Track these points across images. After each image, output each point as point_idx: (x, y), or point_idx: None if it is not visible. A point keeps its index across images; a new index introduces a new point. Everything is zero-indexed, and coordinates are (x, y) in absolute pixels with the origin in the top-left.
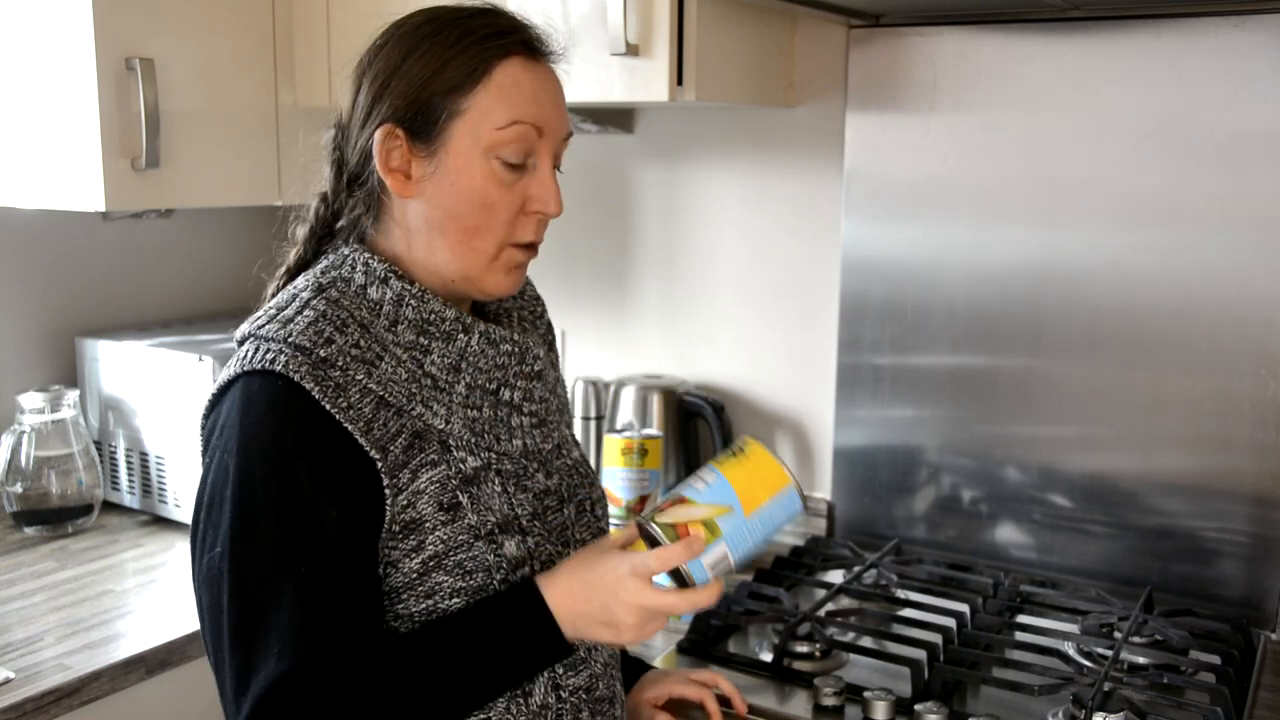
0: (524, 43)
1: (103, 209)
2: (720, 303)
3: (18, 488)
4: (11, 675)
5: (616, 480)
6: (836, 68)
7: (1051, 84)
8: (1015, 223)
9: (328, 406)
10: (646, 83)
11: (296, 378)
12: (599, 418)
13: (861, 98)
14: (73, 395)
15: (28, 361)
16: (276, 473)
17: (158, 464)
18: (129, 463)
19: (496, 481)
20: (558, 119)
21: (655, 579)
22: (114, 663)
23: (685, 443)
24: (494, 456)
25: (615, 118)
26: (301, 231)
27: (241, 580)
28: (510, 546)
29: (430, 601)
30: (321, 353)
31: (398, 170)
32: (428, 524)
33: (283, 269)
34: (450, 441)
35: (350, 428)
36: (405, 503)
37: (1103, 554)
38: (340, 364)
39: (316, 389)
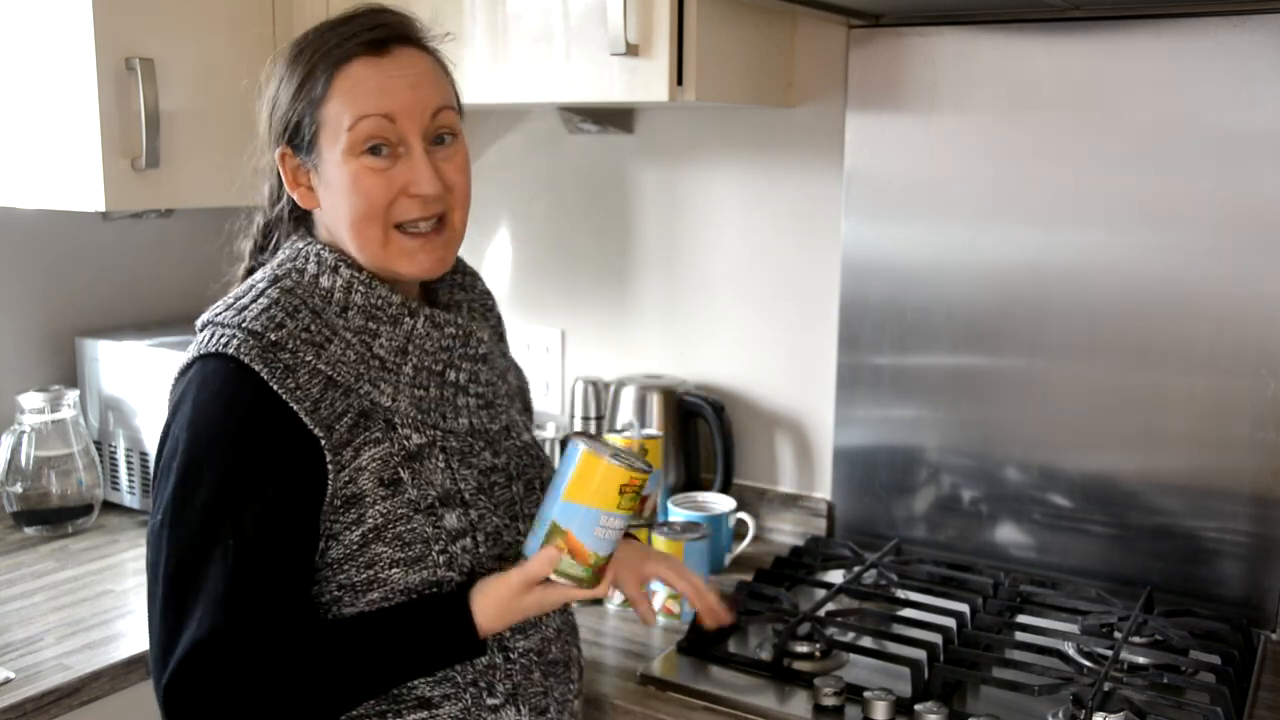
0: (365, 43)
1: (103, 209)
2: (720, 303)
3: (18, 488)
4: (11, 675)
5: None
6: (836, 68)
7: (1051, 84)
8: (1015, 223)
9: (275, 387)
10: (646, 83)
11: (247, 360)
12: (599, 418)
13: (861, 98)
14: (73, 395)
15: (28, 361)
16: (220, 449)
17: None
18: (129, 463)
19: (440, 457)
20: (412, 98)
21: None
22: (114, 663)
23: (685, 443)
24: (439, 434)
25: (615, 118)
26: (246, 246)
27: (175, 547)
28: (451, 519)
29: (371, 571)
30: (272, 336)
31: (303, 185)
32: (368, 498)
33: (239, 278)
34: (396, 420)
35: (296, 407)
36: (347, 478)
37: (1103, 554)
38: (290, 347)
39: (265, 370)
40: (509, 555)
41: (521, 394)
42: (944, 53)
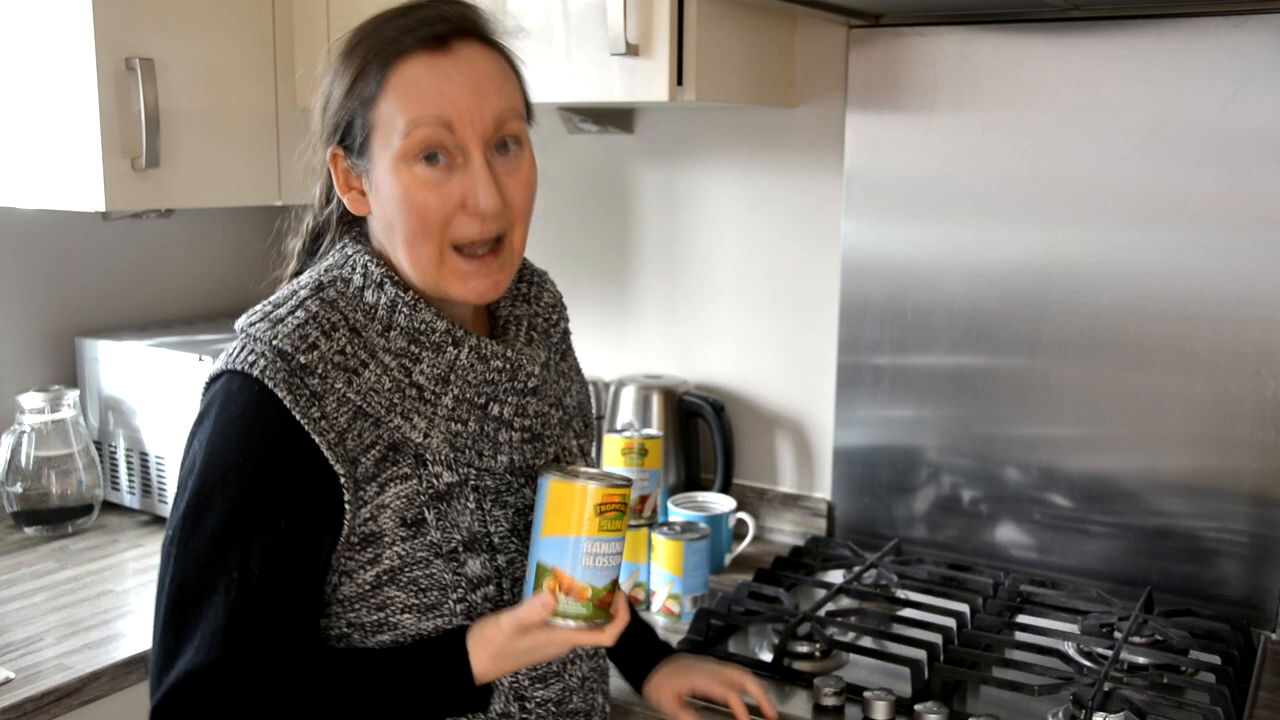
0: (424, 38)
1: (103, 209)
2: (720, 303)
3: (18, 488)
4: (11, 675)
5: None
6: (836, 68)
7: (1051, 84)
8: (1015, 223)
9: (297, 416)
10: (646, 83)
11: (270, 384)
12: (599, 418)
13: (861, 98)
14: (73, 395)
15: (28, 361)
16: (234, 476)
17: (158, 464)
18: (129, 463)
19: (472, 498)
20: (476, 106)
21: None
22: (114, 663)
23: (685, 443)
24: (473, 472)
25: (615, 118)
26: (294, 245)
27: (181, 569)
28: (474, 565)
29: (382, 614)
30: (302, 359)
31: (355, 189)
32: (387, 538)
33: (285, 280)
34: (427, 456)
35: (318, 439)
36: (368, 515)
37: (1103, 554)
38: (320, 371)
39: (289, 397)
40: None
41: (581, 411)
42: (944, 53)
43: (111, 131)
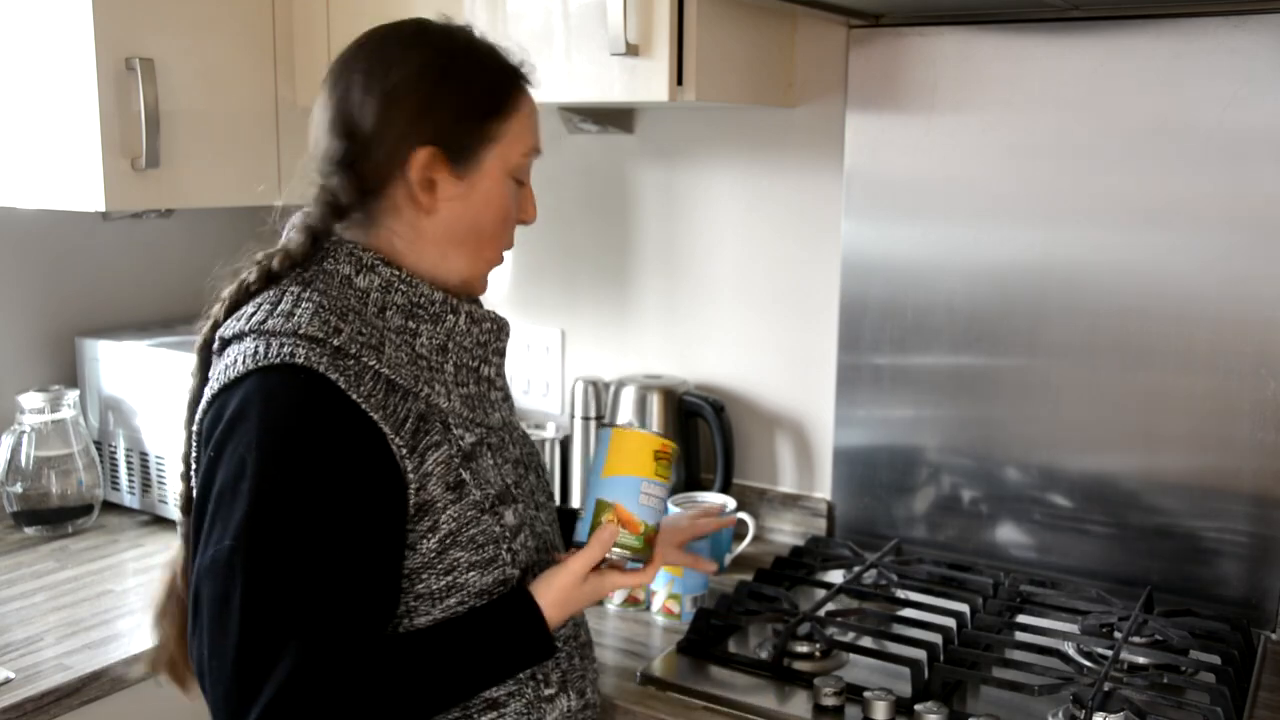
0: (524, 76)
1: (103, 209)
2: (720, 303)
3: (18, 488)
4: (11, 675)
5: None
6: (836, 68)
7: (1051, 84)
8: (1015, 223)
9: (354, 396)
10: (646, 83)
11: (321, 369)
12: (599, 418)
13: (861, 98)
14: (73, 395)
15: (28, 361)
16: (299, 468)
17: (158, 464)
18: (129, 463)
19: (489, 455)
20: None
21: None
22: (114, 663)
23: (685, 443)
24: (484, 431)
25: (615, 118)
26: (297, 238)
27: (256, 574)
28: (509, 516)
29: (450, 577)
30: (335, 342)
31: (429, 190)
32: (439, 504)
33: (263, 266)
34: (450, 420)
35: (375, 415)
36: (417, 485)
37: (1103, 554)
38: (353, 351)
39: (341, 379)
40: (544, 546)
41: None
42: (944, 53)
43: (111, 131)
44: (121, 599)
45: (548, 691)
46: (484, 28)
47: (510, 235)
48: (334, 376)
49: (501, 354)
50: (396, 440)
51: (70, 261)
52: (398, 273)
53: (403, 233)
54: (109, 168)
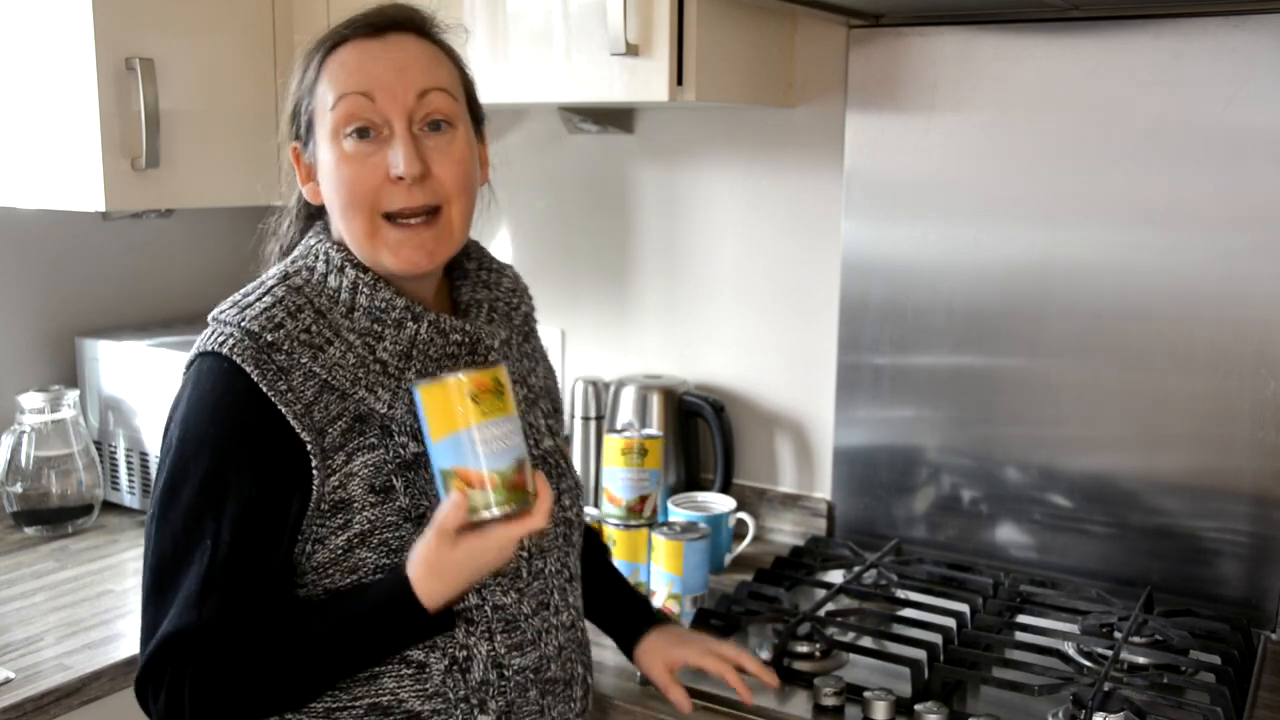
0: (360, 28)
1: (103, 209)
2: (720, 303)
3: (18, 488)
4: (11, 675)
5: (616, 480)
6: (836, 68)
7: (1051, 84)
8: (1015, 223)
9: (265, 389)
10: (646, 83)
11: (239, 360)
12: (599, 418)
13: (861, 98)
14: (73, 395)
15: (28, 361)
16: (205, 449)
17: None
18: (129, 463)
19: None
20: (396, 79)
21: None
22: (114, 663)
23: (685, 443)
24: None
25: (615, 118)
26: (272, 248)
27: (159, 543)
28: None
29: (355, 576)
30: (269, 337)
31: (312, 180)
32: (356, 504)
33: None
34: (393, 426)
35: (285, 410)
36: (337, 483)
37: (1103, 554)
38: (286, 348)
39: (256, 371)
40: (508, 571)
41: (549, 394)
42: (944, 53)
43: (111, 131)
44: (121, 599)
45: (482, 718)
46: (484, 28)
47: (369, 196)
48: (249, 368)
49: (484, 368)
50: (305, 436)
51: (70, 261)
52: (363, 276)
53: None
54: (109, 168)
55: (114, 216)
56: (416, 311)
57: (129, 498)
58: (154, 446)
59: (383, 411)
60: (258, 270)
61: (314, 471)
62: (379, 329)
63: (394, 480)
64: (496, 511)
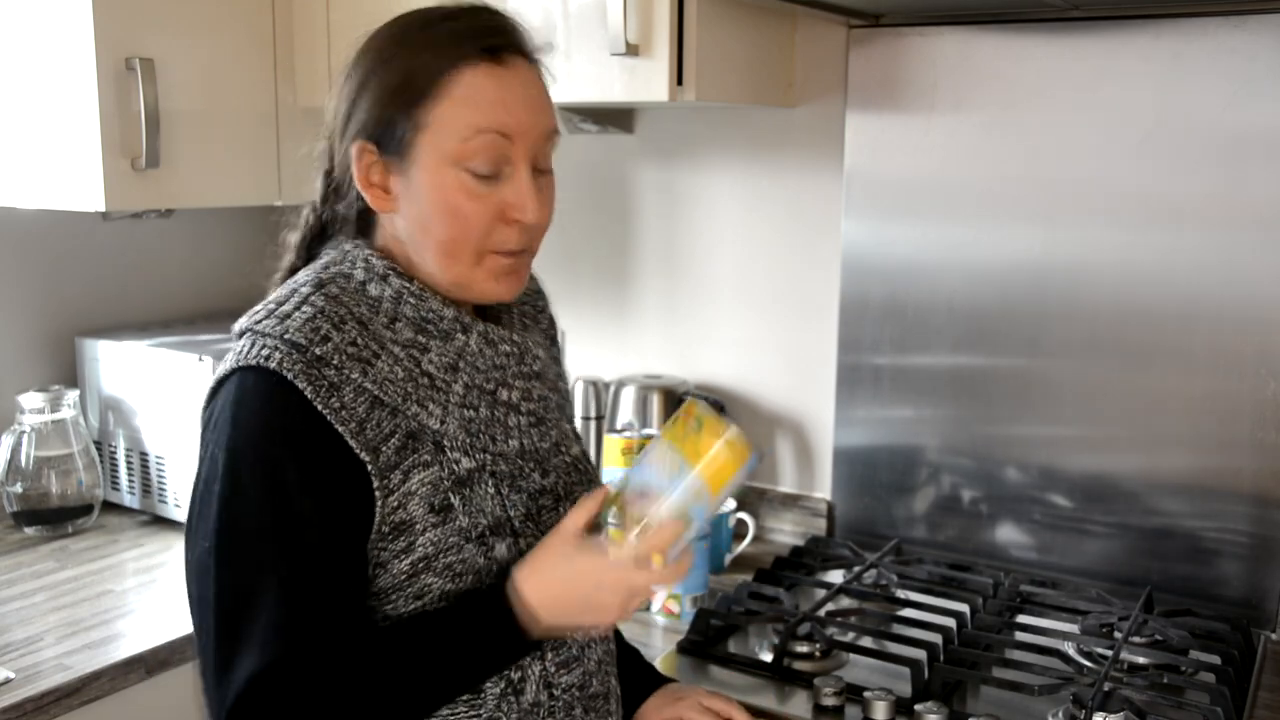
0: (486, 48)
1: (103, 209)
2: (720, 303)
3: (18, 488)
4: (11, 675)
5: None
6: (836, 68)
7: (1051, 84)
8: (1015, 223)
9: (319, 407)
10: (646, 83)
11: (290, 376)
12: (599, 418)
13: (861, 98)
14: (73, 395)
15: (28, 361)
16: (264, 470)
17: (158, 464)
18: (129, 463)
19: (490, 483)
20: (530, 121)
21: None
22: (114, 663)
23: None
24: (489, 458)
25: (615, 118)
26: (293, 238)
27: (226, 575)
28: (501, 549)
29: (420, 603)
30: (317, 350)
31: (377, 185)
32: (418, 525)
33: (280, 274)
34: (445, 442)
35: (341, 429)
36: (396, 504)
37: (1103, 554)
38: (335, 362)
39: (310, 388)
40: None
41: (569, 397)
42: (944, 53)
43: (111, 131)
44: (121, 599)
45: None
46: None
47: (482, 236)
48: (301, 384)
49: (529, 377)
50: (364, 455)
51: (70, 261)
52: (409, 285)
53: (392, 234)
54: (109, 168)
55: (114, 216)
56: (465, 322)
57: (129, 498)
58: (154, 446)
59: (435, 427)
60: (272, 265)
61: (375, 492)
62: (424, 340)
63: (451, 498)
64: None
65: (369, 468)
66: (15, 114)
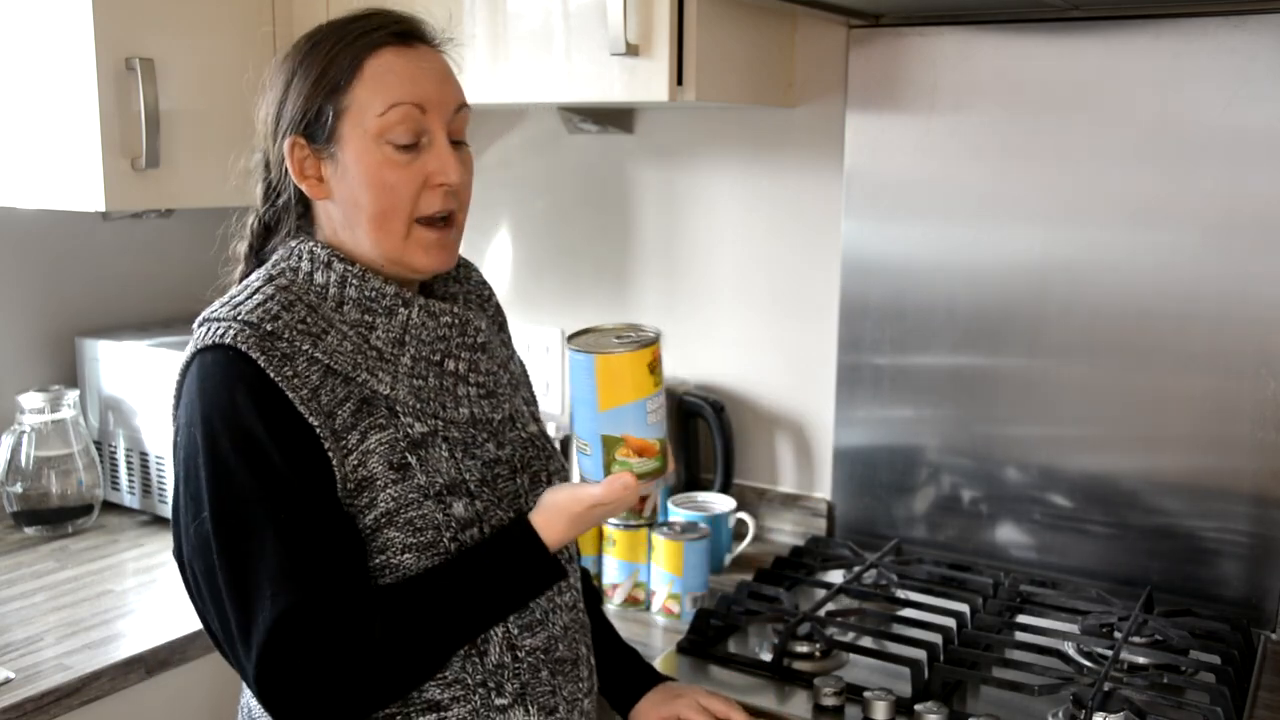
0: (394, 34)
1: (103, 209)
2: (720, 303)
3: (18, 488)
4: (11, 675)
5: None
6: (836, 68)
7: (1051, 84)
8: (1015, 223)
9: (272, 374)
10: (646, 83)
11: (244, 348)
12: None
13: (861, 98)
14: (73, 395)
15: (28, 361)
16: (238, 434)
17: (158, 464)
18: (129, 463)
19: (444, 447)
20: (439, 93)
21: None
22: (114, 663)
23: (685, 443)
24: (440, 424)
25: (615, 118)
26: (241, 247)
27: (228, 538)
28: (459, 508)
29: (383, 557)
30: (268, 327)
31: (311, 176)
32: (379, 481)
33: (235, 284)
34: (397, 407)
35: (292, 395)
36: (356, 462)
37: (1103, 554)
38: (286, 336)
39: (263, 358)
40: None
41: (527, 382)
42: (944, 53)
43: (111, 131)
44: (121, 599)
45: (499, 701)
46: (484, 28)
47: (410, 202)
48: (255, 355)
49: (474, 349)
50: (313, 420)
51: (70, 261)
52: (351, 268)
53: (330, 222)
54: (109, 168)
55: (114, 216)
56: (406, 297)
57: (129, 498)
58: (154, 446)
59: (386, 393)
60: (228, 271)
61: (329, 454)
62: (370, 319)
63: (408, 457)
64: (650, 481)
65: (318, 430)
66: (15, 114)
